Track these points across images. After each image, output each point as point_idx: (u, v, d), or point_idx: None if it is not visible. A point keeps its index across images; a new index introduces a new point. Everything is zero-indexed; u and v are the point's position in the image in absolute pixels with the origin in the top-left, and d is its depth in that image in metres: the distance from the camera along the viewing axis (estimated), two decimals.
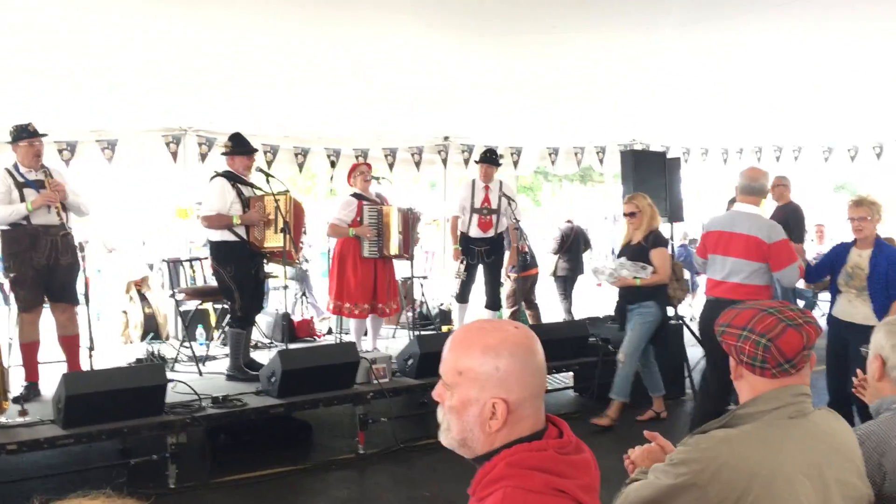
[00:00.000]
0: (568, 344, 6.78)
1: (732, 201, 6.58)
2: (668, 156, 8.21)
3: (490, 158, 7.69)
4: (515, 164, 10.02)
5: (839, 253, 5.41)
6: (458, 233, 7.73)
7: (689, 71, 7.10)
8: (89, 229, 6.09)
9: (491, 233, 7.63)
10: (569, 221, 10.37)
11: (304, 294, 9.07)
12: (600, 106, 8.37)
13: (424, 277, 9.59)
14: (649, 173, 7.34)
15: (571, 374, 7.30)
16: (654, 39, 6.12)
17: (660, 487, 1.89)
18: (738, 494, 1.81)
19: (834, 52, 6.65)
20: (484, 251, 7.65)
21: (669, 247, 8.36)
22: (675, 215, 7.70)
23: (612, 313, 6.89)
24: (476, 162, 7.93)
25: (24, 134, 5.57)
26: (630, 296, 6.22)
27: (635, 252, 6.17)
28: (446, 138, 9.52)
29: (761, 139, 11.21)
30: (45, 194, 5.48)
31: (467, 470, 1.63)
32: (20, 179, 5.56)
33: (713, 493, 1.82)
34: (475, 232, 7.62)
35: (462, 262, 7.62)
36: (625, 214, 6.33)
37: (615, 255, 6.85)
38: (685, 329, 7.50)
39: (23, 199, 5.49)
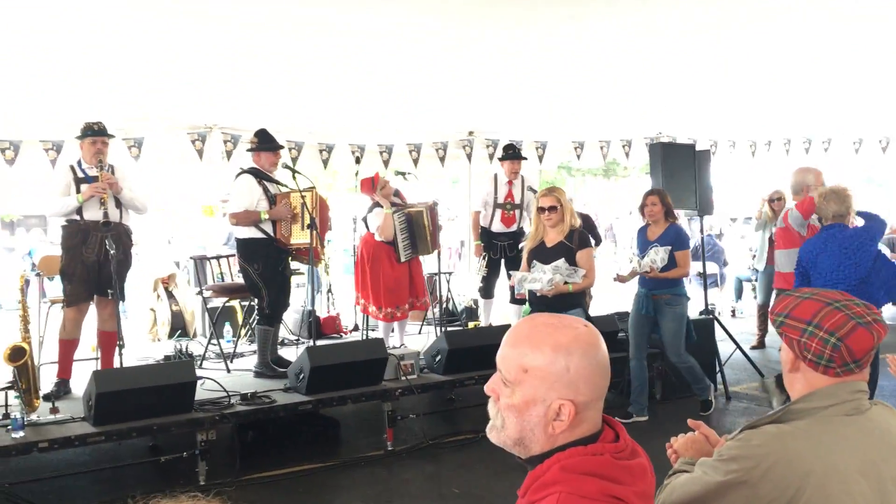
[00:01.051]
0: None
1: None
2: (697, 148, 8.11)
3: (516, 154, 7.66)
4: (540, 158, 9.93)
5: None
6: (480, 228, 7.69)
7: (717, 61, 6.99)
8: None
9: (514, 227, 7.61)
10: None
11: (329, 290, 9.05)
12: (627, 98, 8.27)
13: (450, 273, 9.55)
14: (678, 166, 7.24)
15: None
16: (678, 29, 6.03)
17: (708, 484, 1.83)
18: (792, 493, 1.74)
19: (865, 40, 6.52)
20: (507, 246, 7.61)
21: (700, 241, 8.27)
22: (704, 208, 7.60)
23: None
24: (500, 159, 7.86)
25: (89, 132, 5.73)
26: (558, 304, 5.34)
27: (560, 253, 5.46)
28: (471, 133, 9.46)
29: (790, 131, 11.04)
30: (93, 186, 5.57)
31: (496, 467, 1.58)
32: (80, 175, 5.67)
33: (765, 491, 1.76)
34: (498, 227, 7.59)
35: (484, 258, 7.59)
36: (542, 209, 5.52)
37: (645, 251, 6.24)
38: (716, 324, 7.41)
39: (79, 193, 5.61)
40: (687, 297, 6.25)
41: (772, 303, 6.27)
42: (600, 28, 5.94)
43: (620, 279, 6.46)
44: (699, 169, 7.41)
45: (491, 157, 9.47)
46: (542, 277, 5.36)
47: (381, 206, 6.90)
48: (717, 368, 7.14)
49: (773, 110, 9.44)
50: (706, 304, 7.80)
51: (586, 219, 9.42)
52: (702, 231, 8.27)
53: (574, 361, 1.48)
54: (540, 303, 5.47)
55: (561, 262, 5.36)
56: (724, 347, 7.34)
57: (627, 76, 7.36)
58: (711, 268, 11.41)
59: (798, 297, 1.93)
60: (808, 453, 1.76)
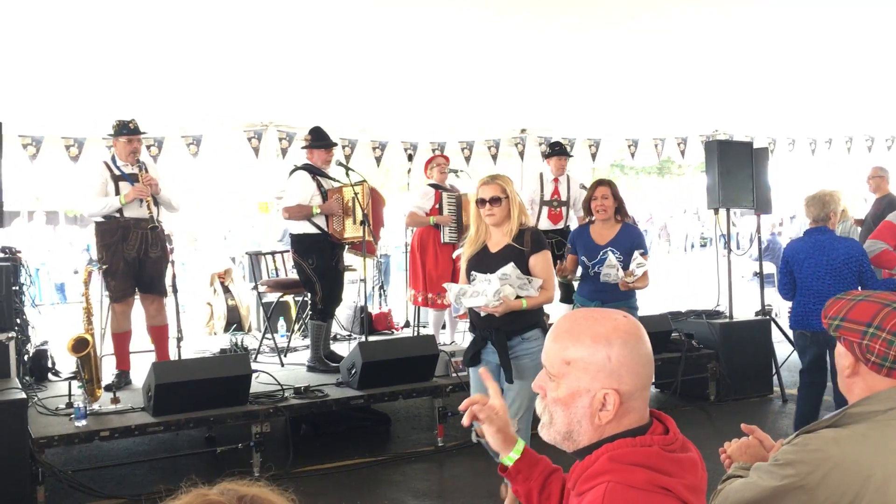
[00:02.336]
0: (649, 339, 6.63)
1: None
2: (754, 146, 7.96)
3: (561, 150, 7.70)
4: (594, 156, 9.86)
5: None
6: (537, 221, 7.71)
7: (775, 57, 6.86)
8: (175, 222, 6.22)
9: (561, 225, 7.60)
10: None
11: (382, 286, 9.14)
12: (682, 95, 8.17)
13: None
14: (735, 164, 7.11)
15: None
16: (737, 24, 5.93)
17: (763, 489, 1.80)
18: (850, 499, 1.71)
19: None
20: (554, 243, 7.60)
21: (755, 240, 8.10)
22: (763, 207, 7.46)
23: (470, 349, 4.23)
24: (546, 156, 7.88)
25: (125, 131, 5.78)
26: (508, 325, 3.98)
27: (507, 259, 4.01)
28: (523, 130, 9.44)
29: (852, 128, 10.76)
30: (137, 188, 5.66)
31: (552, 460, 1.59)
32: (117, 172, 5.78)
33: (822, 496, 1.73)
34: (545, 224, 7.61)
35: None
36: (482, 201, 4.07)
37: (593, 256, 5.07)
38: (773, 325, 7.26)
39: (118, 192, 5.71)
40: (637, 309, 5.18)
41: None
42: (656, 26, 5.88)
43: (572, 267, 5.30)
44: (757, 167, 7.26)
45: (544, 155, 9.44)
46: (486, 290, 3.94)
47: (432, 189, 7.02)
48: (774, 370, 7.01)
49: (835, 107, 9.21)
50: (762, 305, 7.66)
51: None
52: (758, 230, 8.09)
53: (615, 351, 1.50)
54: (485, 325, 4.04)
55: (510, 269, 3.96)
56: (781, 349, 7.20)
57: (683, 72, 7.26)
58: (768, 267, 11.17)
59: (851, 299, 1.90)
60: (867, 458, 1.72)
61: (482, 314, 4.01)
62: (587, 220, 5.22)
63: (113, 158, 5.85)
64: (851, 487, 1.71)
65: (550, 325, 3.01)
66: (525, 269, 4.01)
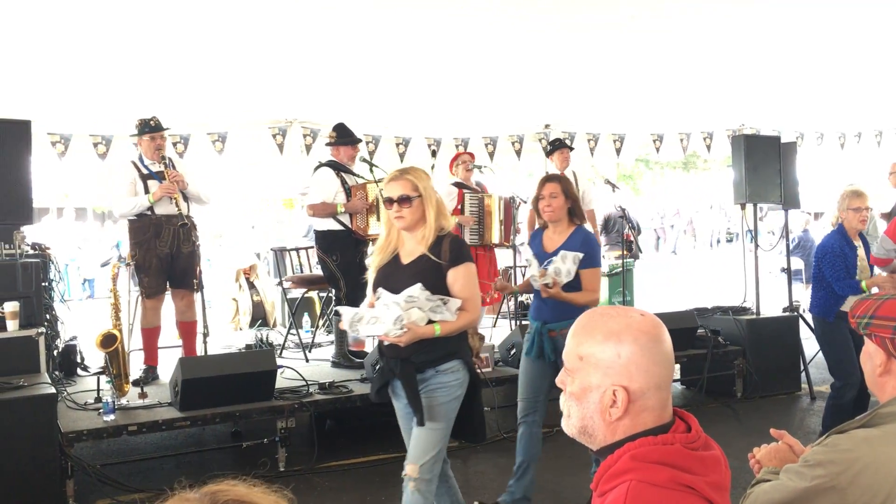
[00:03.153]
0: (675, 335, 6.57)
1: None
2: (782, 140, 7.87)
3: (562, 144, 7.81)
4: (618, 151, 9.79)
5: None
6: (536, 226, 7.76)
7: (802, 49, 6.76)
8: (199, 218, 6.28)
9: None
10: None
11: None
12: (708, 89, 8.08)
13: (526, 266, 9.53)
14: (762, 159, 7.03)
15: (678, 366, 7.11)
16: (764, 16, 5.86)
17: (793, 490, 1.79)
18: (882, 499, 1.69)
19: None
20: None
21: (785, 235, 7.99)
22: (791, 202, 7.37)
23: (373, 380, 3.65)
24: (548, 154, 7.97)
25: (146, 129, 5.86)
26: (421, 354, 3.24)
27: (421, 274, 3.27)
28: (547, 126, 9.40)
29: (882, 122, 10.59)
30: (164, 186, 5.72)
31: (570, 461, 1.59)
32: (144, 171, 5.85)
33: (853, 497, 1.71)
34: None
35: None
36: (390, 201, 3.32)
37: (540, 264, 4.25)
38: (801, 321, 7.18)
39: (147, 191, 5.79)
40: None
41: None
42: (681, 20, 5.82)
43: (503, 288, 4.70)
44: (784, 162, 7.18)
45: (547, 153, 9.41)
46: (385, 315, 3.17)
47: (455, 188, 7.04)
48: (802, 367, 6.94)
49: (864, 100, 9.07)
50: (790, 301, 7.57)
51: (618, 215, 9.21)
52: (786, 226, 8.00)
53: (625, 349, 1.50)
54: (392, 353, 3.31)
55: (417, 291, 3.21)
56: (809, 346, 7.12)
57: (709, 66, 7.19)
58: (796, 263, 11.05)
59: (877, 298, 1.89)
60: None
61: (385, 342, 3.29)
62: (540, 224, 4.44)
63: (140, 157, 5.94)
64: (883, 487, 1.69)
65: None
66: (442, 285, 3.29)
